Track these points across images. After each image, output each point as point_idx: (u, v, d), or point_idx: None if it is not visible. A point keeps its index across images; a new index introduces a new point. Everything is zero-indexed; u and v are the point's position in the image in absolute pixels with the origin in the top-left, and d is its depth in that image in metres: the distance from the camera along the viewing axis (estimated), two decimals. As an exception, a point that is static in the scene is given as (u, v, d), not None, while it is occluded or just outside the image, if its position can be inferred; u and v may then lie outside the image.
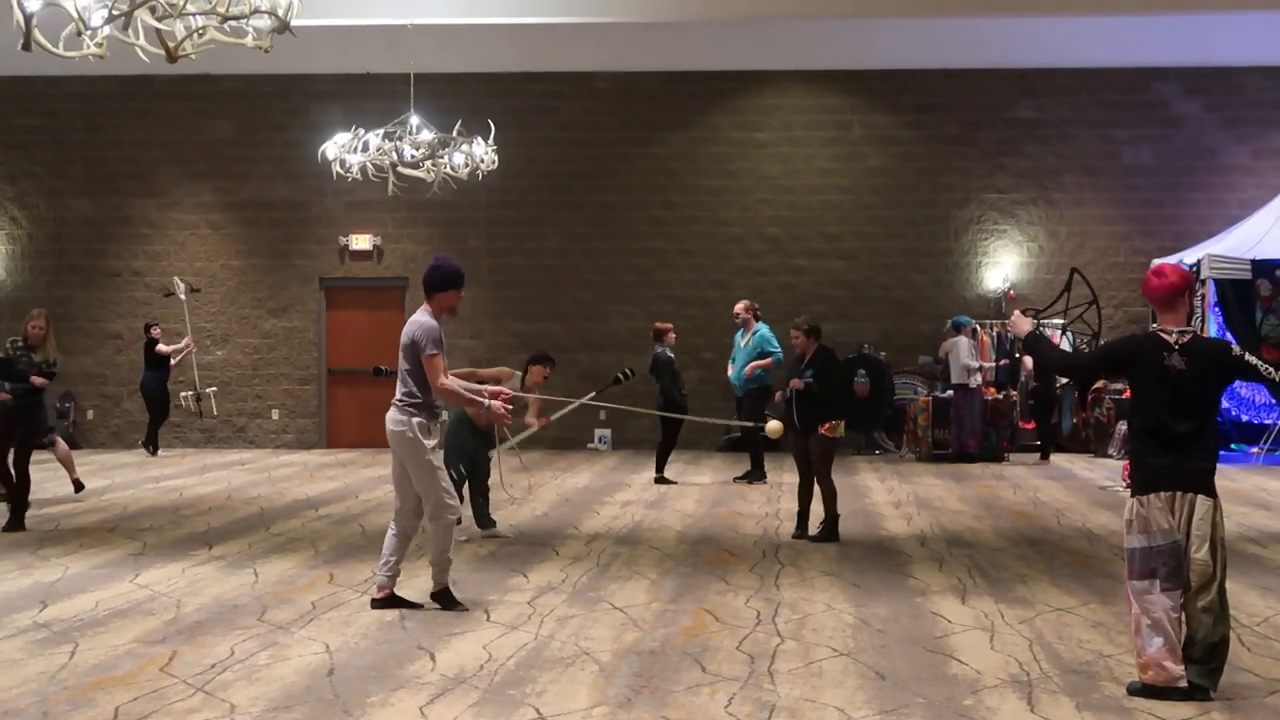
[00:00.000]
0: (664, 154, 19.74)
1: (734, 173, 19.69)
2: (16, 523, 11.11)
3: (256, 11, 8.22)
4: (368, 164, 14.68)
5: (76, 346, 19.37)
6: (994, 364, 18.28)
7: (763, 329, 14.90)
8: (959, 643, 6.97)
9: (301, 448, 19.69)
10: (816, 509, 10.71)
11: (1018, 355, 18.26)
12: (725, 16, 16.37)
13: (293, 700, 5.86)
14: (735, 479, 14.94)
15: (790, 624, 7.42)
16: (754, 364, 14.60)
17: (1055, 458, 17.45)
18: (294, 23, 8.41)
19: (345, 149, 14.62)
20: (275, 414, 19.94)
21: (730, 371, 15.13)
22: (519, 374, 10.85)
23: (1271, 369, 5.96)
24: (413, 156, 14.60)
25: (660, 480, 14.73)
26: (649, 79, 19.67)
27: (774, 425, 11.18)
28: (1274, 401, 17.59)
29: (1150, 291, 6.09)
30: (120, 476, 15.57)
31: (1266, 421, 17.67)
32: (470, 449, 10.40)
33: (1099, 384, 17.35)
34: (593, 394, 12.00)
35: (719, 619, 7.55)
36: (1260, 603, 8.05)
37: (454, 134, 14.70)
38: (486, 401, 7.98)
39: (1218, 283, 17.25)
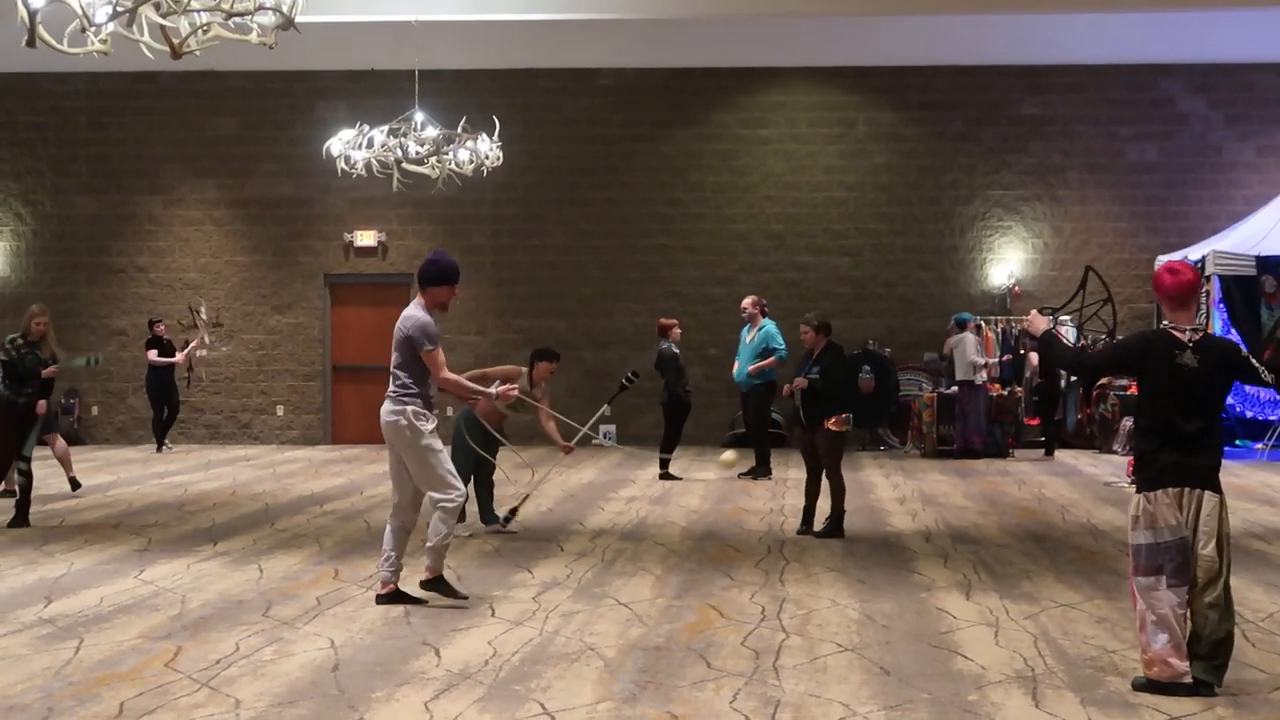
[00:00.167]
0: (669, 151, 19.73)
1: (738, 169, 19.68)
2: (20, 519, 11.13)
3: (261, 8, 8.23)
4: (372, 160, 14.69)
5: (81, 343, 19.38)
6: (999, 360, 18.30)
7: (769, 325, 14.91)
8: (964, 638, 6.97)
9: (306, 444, 19.71)
10: (822, 505, 10.72)
11: (1022, 351, 18.26)
12: (730, 13, 16.37)
13: (298, 696, 5.87)
14: (740, 474, 14.93)
15: (795, 619, 7.43)
16: (756, 365, 14.65)
17: (1060, 454, 17.44)
18: (298, 19, 8.42)
19: (350, 145, 14.63)
20: (280, 410, 19.96)
21: (735, 368, 15.15)
22: (524, 370, 10.84)
23: (1268, 374, 6.00)
24: (417, 153, 14.61)
25: (665, 476, 14.74)
26: (654, 75, 19.66)
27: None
28: (1279, 398, 17.57)
29: (1165, 289, 6.04)
30: (125, 472, 15.59)
31: (1271, 418, 17.65)
32: (479, 441, 10.43)
33: (1103, 380, 17.34)
34: (605, 407, 12.09)
35: (724, 614, 7.56)
36: (1265, 598, 8.05)
37: (459, 130, 14.69)
38: (493, 391, 8.15)
39: (1222, 279, 17.24)
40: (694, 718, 5.55)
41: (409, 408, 7.63)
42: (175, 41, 8.21)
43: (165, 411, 18.33)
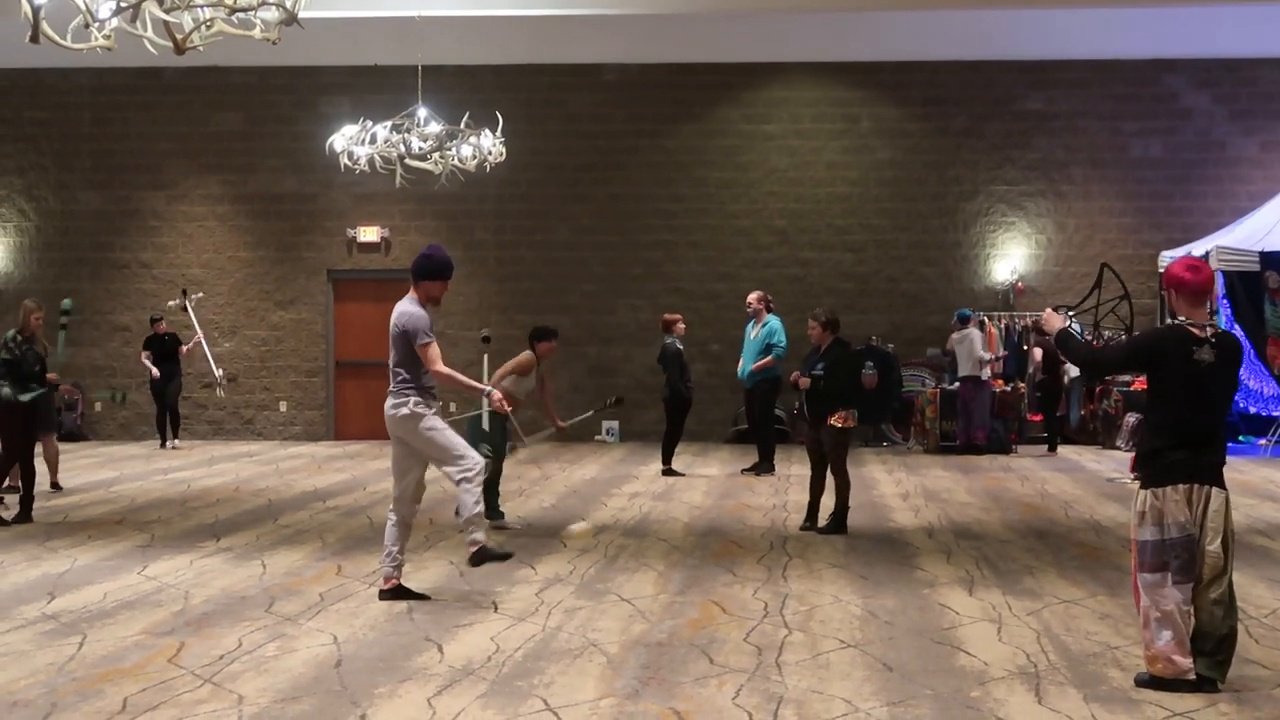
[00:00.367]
0: (672, 146, 19.72)
1: (742, 165, 19.67)
2: (24, 514, 11.14)
3: (264, 4, 8.22)
4: (375, 156, 14.68)
5: (84, 339, 19.41)
6: (1001, 356, 18.28)
7: (773, 321, 14.90)
8: (966, 634, 6.97)
9: (309, 440, 19.71)
10: (826, 502, 10.72)
11: (1025, 348, 18.24)
12: (733, 8, 16.35)
13: (300, 691, 5.87)
14: (743, 471, 14.94)
15: (798, 616, 7.43)
16: (758, 364, 14.66)
17: (1063, 450, 17.42)
18: (302, 15, 8.40)
19: (353, 141, 14.62)
20: (283, 406, 19.97)
21: (739, 365, 15.14)
22: (535, 359, 11.04)
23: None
24: (420, 149, 14.60)
25: (668, 472, 14.74)
26: (657, 71, 19.65)
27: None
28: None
29: (1188, 286, 6.01)
30: (128, 468, 15.60)
31: (1274, 414, 17.63)
32: (492, 434, 10.53)
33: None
34: (589, 413, 13.19)
35: (726, 610, 7.56)
36: (1268, 594, 8.04)
37: (462, 126, 14.69)
38: (486, 389, 8.39)
39: (1226, 275, 17.22)
40: (697, 714, 5.55)
41: (411, 399, 7.75)
42: (179, 37, 8.20)
43: (161, 408, 18.25)
